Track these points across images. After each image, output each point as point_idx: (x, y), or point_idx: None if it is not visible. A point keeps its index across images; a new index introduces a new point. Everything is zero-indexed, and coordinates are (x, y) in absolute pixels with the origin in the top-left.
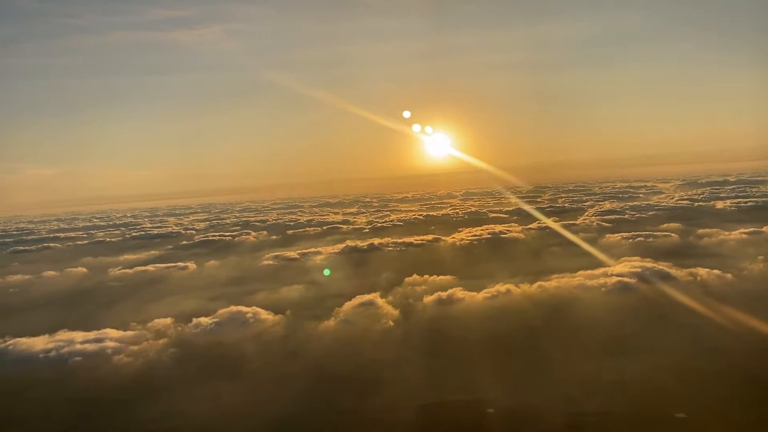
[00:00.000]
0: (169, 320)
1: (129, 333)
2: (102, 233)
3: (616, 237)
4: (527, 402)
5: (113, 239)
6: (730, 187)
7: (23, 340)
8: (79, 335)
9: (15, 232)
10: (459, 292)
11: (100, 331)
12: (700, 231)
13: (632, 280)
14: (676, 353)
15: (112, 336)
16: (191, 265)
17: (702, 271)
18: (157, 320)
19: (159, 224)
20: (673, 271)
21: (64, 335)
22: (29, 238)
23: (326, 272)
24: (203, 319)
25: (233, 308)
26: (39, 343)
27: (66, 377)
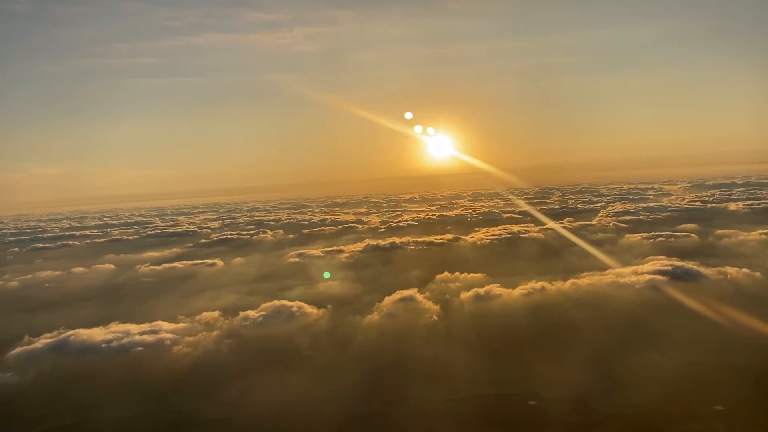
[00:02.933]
0: (216, 313)
1: (181, 325)
2: (117, 231)
3: (635, 237)
4: (571, 395)
5: (129, 237)
6: (739, 190)
7: (82, 331)
8: (133, 327)
9: (28, 230)
10: (496, 289)
11: (152, 324)
12: (718, 232)
13: (664, 278)
14: (714, 348)
15: (165, 328)
16: (218, 262)
17: (731, 270)
18: (204, 313)
19: (171, 223)
20: (703, 270)
21: (118, 327)
22: (45, 236)
23: (351, 270)
24: (250, 313)
25: (276, 302)
26: (97, 334)
27: (132, 365)
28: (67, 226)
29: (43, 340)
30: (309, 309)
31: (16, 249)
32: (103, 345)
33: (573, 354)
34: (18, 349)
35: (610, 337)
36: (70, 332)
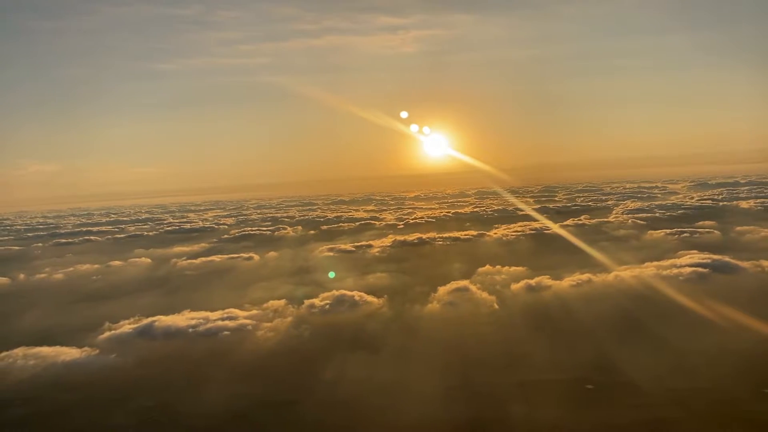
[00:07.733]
0: (282, 302)
1: (254, 312)
2: (132, 228)
3: (659, 233)
4: (628, 379)
5: (149, 233)
6: (744, 188)
7: (163, 317)
8: (209, 314)
9: (41, 226)
10: (545, 280)
11: (225, 311)
12: (738, 228)
13: (705, 271)
14: (762, 335)
15: (240, 315)
16: (254, 256)
17: (766, 263)
18: (271, 302)
19: (184, 220)
20: (740, 263)
21: (193, 314)
22: (61, 231)
23: (390, 264)
24: (315, 301)
25: (335, 292)
26: (179, 320)
27: (222, 348)
28: (78, 222)
29: (127, 326)
30: (369, 298)
31: (39, 244)
32: (190, 330)
33: (630, 340)
34: (107, 334)
35: (664, 325)
36: (153, 318)
